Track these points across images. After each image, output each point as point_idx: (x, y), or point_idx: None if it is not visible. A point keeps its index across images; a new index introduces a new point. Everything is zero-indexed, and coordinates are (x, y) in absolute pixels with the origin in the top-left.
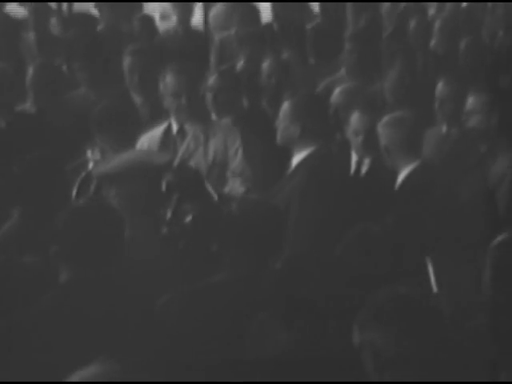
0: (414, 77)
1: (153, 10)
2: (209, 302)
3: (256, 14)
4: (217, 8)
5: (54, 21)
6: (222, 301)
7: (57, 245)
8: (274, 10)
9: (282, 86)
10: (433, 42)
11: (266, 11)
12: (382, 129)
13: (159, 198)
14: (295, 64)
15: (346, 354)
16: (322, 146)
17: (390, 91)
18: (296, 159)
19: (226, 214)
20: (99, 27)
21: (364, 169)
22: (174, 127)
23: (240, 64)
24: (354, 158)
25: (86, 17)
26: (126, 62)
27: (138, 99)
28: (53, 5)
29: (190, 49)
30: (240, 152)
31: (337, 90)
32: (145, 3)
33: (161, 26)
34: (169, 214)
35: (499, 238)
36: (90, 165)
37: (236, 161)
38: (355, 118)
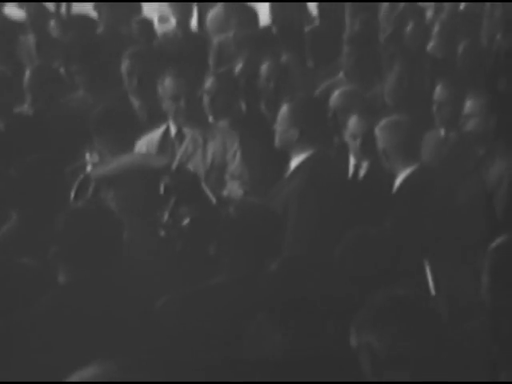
0: (412, 80)
1: (151, 12)
2: (207, 304)
3: (254, 16)
4: (215, 10)
5: (52, 23)
6: (220, 302)
7: (56, 246)
8: (273, 13)
9: (280, 89)
10: (431, 45)
11: (264, 14)
12: (380, 132)
13: (157, 200)
14: (294, 67)
15: (343, 354)
16: (320, 150)
17: (388, 94)
18: (294, 162)
19: (223, 216)
20: (98, 30)
21: (362, 172)
22: (173, 130)
23: (238, 67)
24: (352, 161)
25: (85, 19)
26: (125, 64)
27: (136, 102)
28: (51, 7)
29: (188, 52)
30: (238, 155)
31: (335, 93)
32: (143, 6)
33: (159, 28)
34: (166, 217)
35: (497, 241)
36: (89, 167)
37: (234, 164)
38: (353, 122)
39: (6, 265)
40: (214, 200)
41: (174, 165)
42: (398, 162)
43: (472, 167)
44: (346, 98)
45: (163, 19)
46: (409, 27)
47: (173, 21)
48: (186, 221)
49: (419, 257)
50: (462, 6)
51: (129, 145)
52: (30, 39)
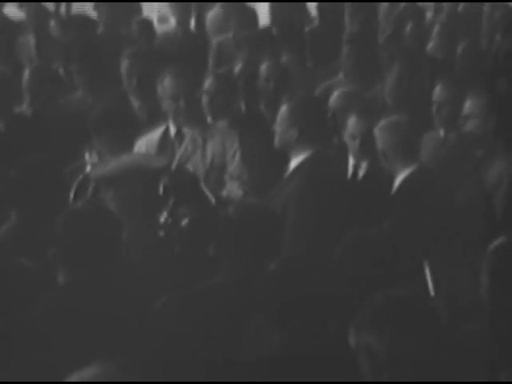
0: (412, 80)
1: (151, 12)
2: (207, 304)
3: (254, 17)
4: (214, 11)
5: (52, 23)
6: (219, 302)
7: (55, 247)
8: (273, 13)
9: (279, 89)
10: (430, 46)
11: (264, 14)
12: (379, 132)
13: (156, 201)
14: (293, 67)
15: (342, 355)
16: (320, 150)
17: (387, 94)
18: (294, 163)
19: (223, 216)
20: (98, 30)
21: (361, 172)
22: (172, 130)
23: (238, 67)
24: (352, 161)
25: (85, 19)
26: (124, 64)
27: (136, 102)
28: (51, 7)
29: (188, 52)
30: (238, 155)
31: (335, 94)
32: (143, 6)
33: (159, 28)
34: (166, 217)
35: (496, 242)
36: (88, 167)
37: (234, 164)
38: (352, 122)
39: (5, 265)
40: (213, 200)
41: (174, 165)
42: (397, 163)
43: (471, 168)
44: (345, 99)
45: (163, 19)
46: (408, 27)
47: (172, 21)
48: (186, 221)
49: (418, 257)
50: (462, 6)
51: (128, 145)
52: (30, 39)
